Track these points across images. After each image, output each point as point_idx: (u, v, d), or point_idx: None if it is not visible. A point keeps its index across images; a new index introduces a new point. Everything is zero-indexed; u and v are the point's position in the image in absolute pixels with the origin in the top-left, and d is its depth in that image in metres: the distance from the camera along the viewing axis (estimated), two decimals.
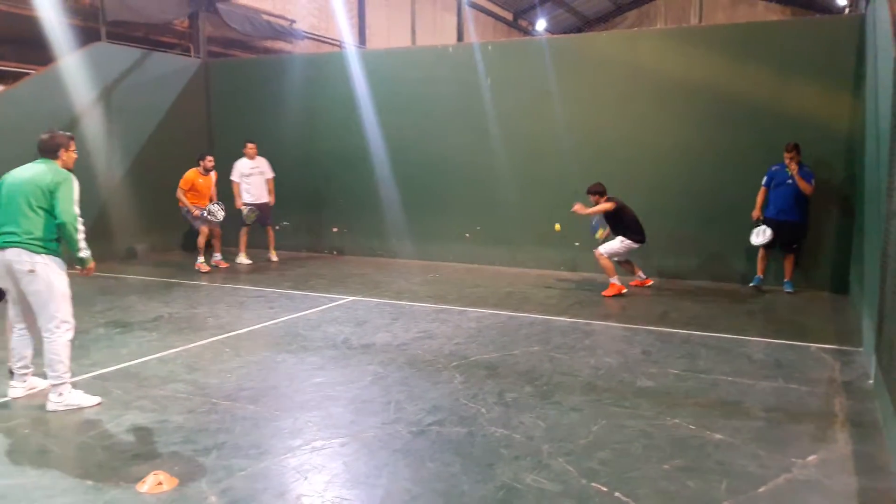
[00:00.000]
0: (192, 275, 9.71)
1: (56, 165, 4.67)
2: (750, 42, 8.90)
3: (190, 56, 12.80)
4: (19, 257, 4.47)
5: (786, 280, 8.50)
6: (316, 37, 16.56)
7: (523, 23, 27.15)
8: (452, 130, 10.70)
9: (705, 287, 8.79)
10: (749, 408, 4.63)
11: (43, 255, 4.51)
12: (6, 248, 4.49)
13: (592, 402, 4.75)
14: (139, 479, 3.56)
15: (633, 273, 8.78)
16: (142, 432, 4.23)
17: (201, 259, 10.08)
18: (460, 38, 21.41)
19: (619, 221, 8.34)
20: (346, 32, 17.60)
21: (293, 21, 16.01)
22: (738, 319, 7.19)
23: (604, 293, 8.26)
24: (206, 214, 10.04)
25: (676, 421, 4.39)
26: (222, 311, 7.51)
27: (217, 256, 10.45)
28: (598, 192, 8.39)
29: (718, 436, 4.15)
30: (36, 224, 4.49)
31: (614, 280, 8.29)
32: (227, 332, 6.64)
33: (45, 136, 4.71)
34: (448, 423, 4.34)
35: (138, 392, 4.93)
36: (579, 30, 28.49)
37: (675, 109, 9.26)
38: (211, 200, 10.23)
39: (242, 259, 10.81)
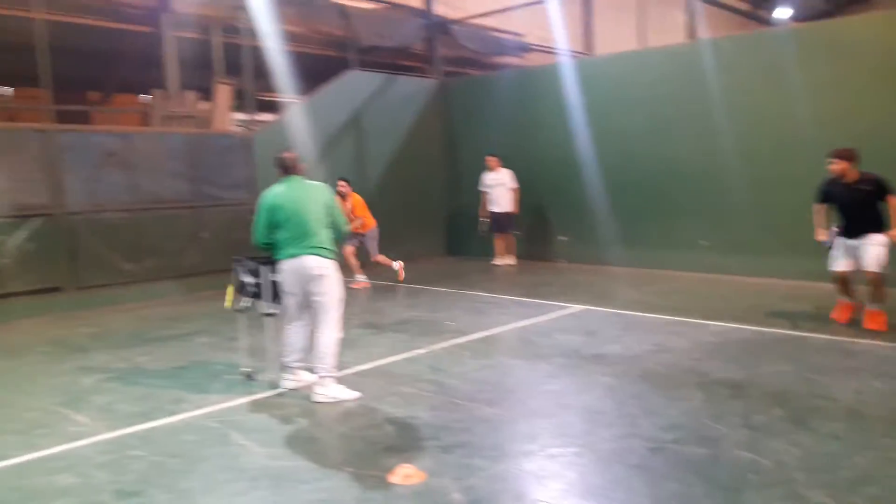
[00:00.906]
0: (433, 281, 10.29)
1: (312, 182, 5.37)
2: None
3: (427, 77, 13.64)
4: (313, 263, 5.11)
5: None
6: (543, 48, 16.78)
7: (763, 13, 25.19)
8: (684, 132, 10.28)
9: None
10: None
11: (331, 260, 5.16)
12: (302, 255, 5.13)
13: (856, 430, 4.29)
14: (391, 469, 3.86)
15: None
16: (393, 426, 4.59)
17: (359, 277, 10.20)
18: (692, 35, 20.44)
19: (875, 207, 6.54)
20: (570, 41, 17.60)
21: (520, 35, 16.38)
22: None
23: (866, 324, 6.66)
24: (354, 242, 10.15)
25: None
26: (460, 316, 7.90)
27: (359, 277, 10.29)
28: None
29: None
30: (324, 235, 5.18)
31: (879, 307, 6.64)
32: (464, 335, 6.97)
33: (293, 156, 5.43)
34: (688, 443, 4.17)
35: (390, 389, 5.36)
36: (830, 14, 25.80)
37: None
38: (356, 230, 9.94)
39: (501, 261, 11.69)
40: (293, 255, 5.16)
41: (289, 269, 5.20)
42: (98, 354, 6.72)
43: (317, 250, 5.13)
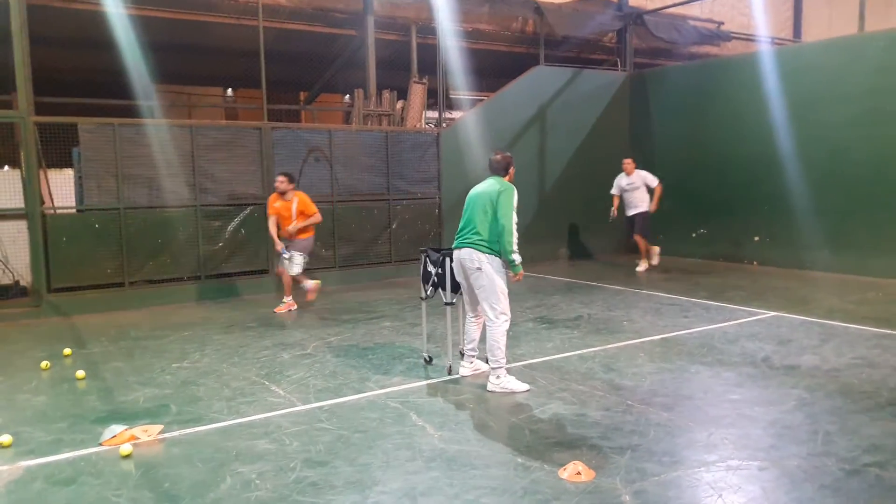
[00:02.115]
0: (609, 279, 10.09)
1: (503, 180, 5.36)
2: None
3: (616, 70, 13.35)
4: (470, 256, 5.25)
5: None
6: (744, 36, 15.77)
7: None
8: None
9: None
10: None
11: (487, 254, 5.20)
12: (462, 247, 5.32)
13: None
14: (561, 465, 3.87)
15: None
16: (563, 422, 4.59)
17: (286, 298, 8.57)
18: None
19: None
20: (776, 28, 16.39)
21: (720, 23, 15.51)
22: None
23: None
24: (284, 255, 8.35)
25: None
26: (637, 316, 7.70)
27: (287, 299, 8.61)
28: None
29: None
30: (484, 229, 5.21)
31: None
32: (641, 336, 6.79)
33: (497, 157, 5.42)
34: (891, 467, 3.79)
35: (560, 384, 5.36)
36: None
37: None
38: (291, 236, 8.44)
39: (642, 266, 10.90)
40: (456, 248, 5.38)
41: (454, 260, 5.42)
42: (296, 332, 7.36)
43: (471, 244, 5.22)
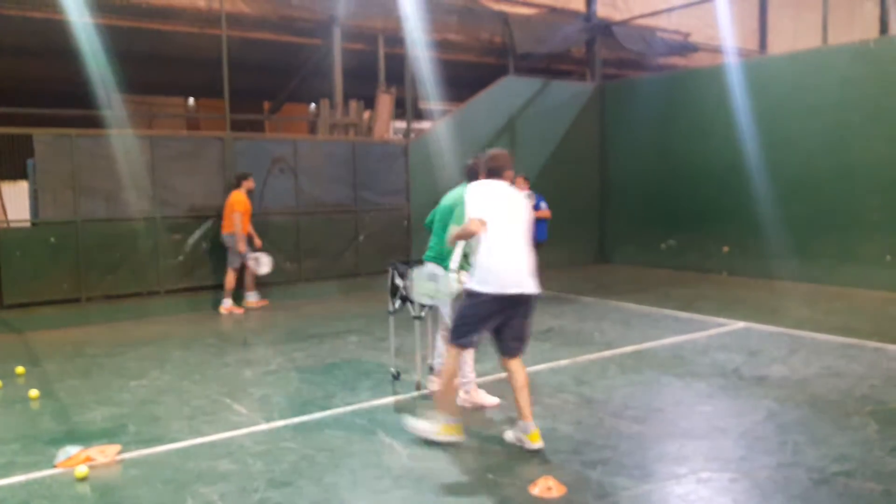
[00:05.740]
0: (581, 290, 10.06)
1: (462, 187, 5.18)
2: None
3: (585, 81, 13.41)
4: (425, 268, 5.12)
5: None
6: (711, 48, 15.99)
7: None
8: (871, 137, 9.37)
9: None
10: None
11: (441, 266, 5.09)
12: (427, 261, 5.18)
13: None
14: (531, 480, 3.79)
15: None
16: None
17: (228, 302, 9.19)
18: (884, 30, 18.67)
19: None
20: (742, 40, 16.63)
21: (688, 34, 15.71)
22: None
23: None
24: (250, 259, 9.17)
25: None
26: (608, 328, 7.67)
27: (252, 296, 9.44)
28: None
29: None
30: (441, 241, 5.08)
31: None
32: (612, 348, 6.75)
33: (469, 162, 5.22)
34: (859, 476, 3.79)
35: (531, 398, 5.26)
36: None
37: None
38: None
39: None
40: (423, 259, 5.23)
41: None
42: (259, 349, 7.18)
43: (432, 257, 5.11)
